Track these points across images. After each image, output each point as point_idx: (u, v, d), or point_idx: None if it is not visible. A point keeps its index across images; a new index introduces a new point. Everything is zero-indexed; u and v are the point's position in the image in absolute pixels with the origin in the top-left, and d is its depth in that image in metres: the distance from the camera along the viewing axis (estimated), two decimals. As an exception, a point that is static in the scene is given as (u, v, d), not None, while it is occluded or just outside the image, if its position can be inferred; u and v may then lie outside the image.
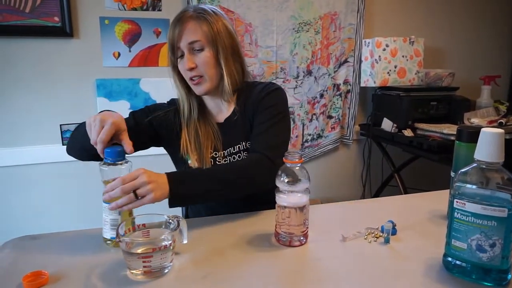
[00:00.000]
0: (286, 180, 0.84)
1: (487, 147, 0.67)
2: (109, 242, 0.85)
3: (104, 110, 0.98)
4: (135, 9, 1.98)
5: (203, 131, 1.13)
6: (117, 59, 2.00)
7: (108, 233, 0.85)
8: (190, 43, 1.06)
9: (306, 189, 0.86)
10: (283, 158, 0.85)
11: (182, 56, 1.08)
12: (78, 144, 1.03)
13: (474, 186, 0.69)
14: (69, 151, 1.09)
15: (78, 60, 1.95)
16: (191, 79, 1.08)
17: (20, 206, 1.98)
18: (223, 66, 1.09)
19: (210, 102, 1.18)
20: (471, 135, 0.89)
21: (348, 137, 2.50)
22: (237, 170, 0.99)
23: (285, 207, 0.85)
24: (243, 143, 1.13)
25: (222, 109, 1.18)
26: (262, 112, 1.10)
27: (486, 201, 0.67)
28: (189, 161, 1.12)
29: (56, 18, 1.85)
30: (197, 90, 1.10)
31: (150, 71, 2.06)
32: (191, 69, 1.06)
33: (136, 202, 0.81)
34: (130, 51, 2.01)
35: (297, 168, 0.85)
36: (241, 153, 1.12)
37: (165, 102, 1.24)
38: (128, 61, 2.02)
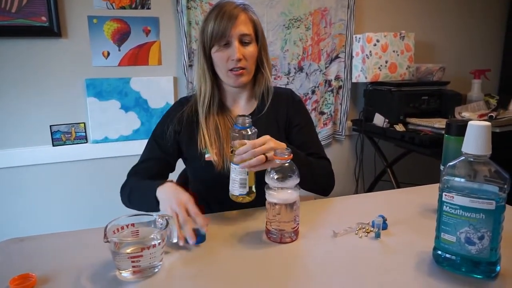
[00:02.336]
0: (275, 177, 0.84)
1: (474, 140, 0.68)
2: (239, 197, 0.90)
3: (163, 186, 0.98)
4: (123, 7, 1.96)
5: (222, 125, 1.13)
6: (106, 59, 1.98)
7: (237, 191, 0.90)
8: (241, 35, 1.07)
9: (296, 186, 0.86)
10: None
11: (225, 45, 1.08)
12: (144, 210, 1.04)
13: (462, 179, 0.69)
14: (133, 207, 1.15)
15: (67, 60, 1.92)
16: (232, 69, 1.09)
17: (9, 208, 1.96)
18: (265, 62, 1.16)
19: (231, 97, 1.19)
20: (460, 129, 0.89)
21: (340, 133, 2.50)
22: (322, 169, 1.13)
23: (275, 204, 0.85)
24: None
25: (240, 105, 1.20)
26: (306, 124, 1.22)
27: (474, 193, 0.68)
28: (207, 155, 1.11)
29: (44, 18, 1.83)
30: (238, 80, 1.10)
31: (140, 70, 2.05)
32: (239, 60, 1.07)
33: (266, 164, 0.87)
34: (119, 50, 1.99)
35: (286, 164, 0.84)
36: None
37: (172, 105, 1.26)
38: (118, 60, 2.00)
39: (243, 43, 1.08)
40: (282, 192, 0.84)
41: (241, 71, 1.09)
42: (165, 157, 1.16)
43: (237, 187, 0.89)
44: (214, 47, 1.09)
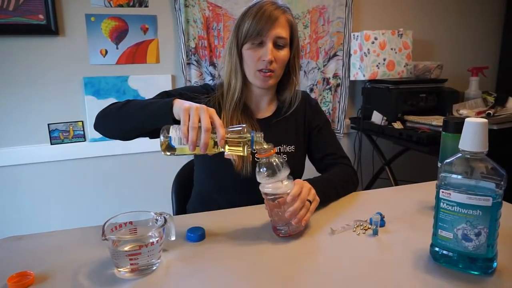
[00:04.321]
0: (266, 174, 0.83)
1: (471, 137, 0.68)
2: (165, 143, 0.81)
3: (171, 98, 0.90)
4: (121, 5, 1.95)
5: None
6: (104, 57, 1.98)
7: (176, 139, 0.80)
8: (277, 38, 1.06)
9: (289, 176, 0.86)
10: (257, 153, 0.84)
11: (259, 44, 1.07)
12: (130, 125, 0.97)
13: (459, 176, 0.69)
14: (108, 130, 1.02)
15: (64, 58, 1.92)
16: (261, 70, 1.08)
17: (7, 206, 1.96)
18: (296, 69, 1.16)
19: (254, 97, 1.19)
20: (457, 126, 0.89)
21: (338, 131, 2.51)
22: (344, 183, 1.13)
23: (274, 199, 0.85)
24: (284, 146, 1.16)
25: (261, 107, 1.20)
26: (324, 125, 1.25)
27: (471, 190, 0.68)
28: (226, 153, 1.09)
29: (41, 16, 1.83)
30: (264, 82, 1.10)
31: (138, 68, 2.04)
32: (270, 62, 1.06)
33: (311, 207, 0.90)
34: (117, 48, 1.99)
35: (274, 158, 0.84)
36: (280, 155, 1.12)
37: (196, 85, 1.23)
38: (116, 58, 1.99)
39: (276, 46, 1.07)
40: (277, 184, 0.84)
41: (269, 73, 1.08)
42: None
43: (177, 140, 0.80)
44: (247, 45, 1.07)
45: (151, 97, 1.15)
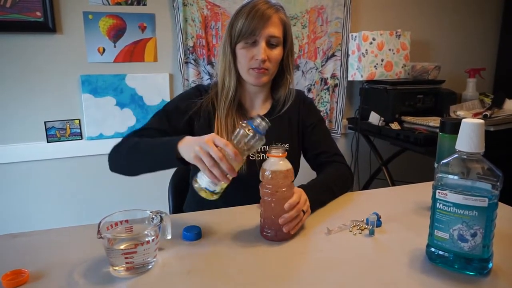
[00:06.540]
0: (270, 176, 0.83)
1: (467, 137, 0.68)
2: (204, 190, 0.83)
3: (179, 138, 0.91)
4: (119, 3, 1.95)
5: (239, 123, 1.12)
6: (102, 55, 1.97)
7: (206, 184, 0.83)
8: (270, 37, 1.06)
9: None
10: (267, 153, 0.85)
11: (252, 43, 1.07)
12: (140, 171, 1.04)
13: (455, 177, 0.70)
14: (123, 172, 1.07)
15: (62, 56, 1.91)
16: (255, 68, 1.08)
17: (2, 204, 1.95)
18: (290, 67, 1.17)
19: (249, 96, 1.19)
20: (454, 127, 0.89)
21: (336, 131, 2.51)
22: (340, 183, 1.14)
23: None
24: (279, 144, 1.16)
25: (256, 105, 1.20)
26: (318, 123, 1.25)
27: (467, 191, 0.68)
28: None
29: (38, 13, 1.82)
30: (258, 79, 1.10)
31: (135, 66, 2.04)
32: (263, 61, 1.06)
33: (303, 218, 0.90)
34: (115, 46, 1.98)
35: (281, 162, 0.84)
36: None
37: (189, 89, 1.24)
38: (113, 56, 1.99)
39: (269, 45, 1.07)
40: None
41: (262, 70, 1.08)
42: (173, 133, 1.09)
43: (208, 181, 0.83)
44: (240, 44, 1.08)
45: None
